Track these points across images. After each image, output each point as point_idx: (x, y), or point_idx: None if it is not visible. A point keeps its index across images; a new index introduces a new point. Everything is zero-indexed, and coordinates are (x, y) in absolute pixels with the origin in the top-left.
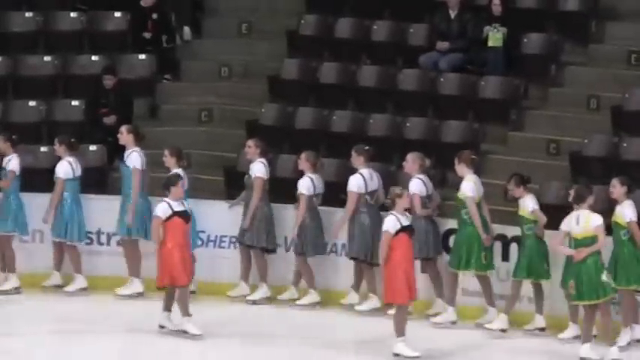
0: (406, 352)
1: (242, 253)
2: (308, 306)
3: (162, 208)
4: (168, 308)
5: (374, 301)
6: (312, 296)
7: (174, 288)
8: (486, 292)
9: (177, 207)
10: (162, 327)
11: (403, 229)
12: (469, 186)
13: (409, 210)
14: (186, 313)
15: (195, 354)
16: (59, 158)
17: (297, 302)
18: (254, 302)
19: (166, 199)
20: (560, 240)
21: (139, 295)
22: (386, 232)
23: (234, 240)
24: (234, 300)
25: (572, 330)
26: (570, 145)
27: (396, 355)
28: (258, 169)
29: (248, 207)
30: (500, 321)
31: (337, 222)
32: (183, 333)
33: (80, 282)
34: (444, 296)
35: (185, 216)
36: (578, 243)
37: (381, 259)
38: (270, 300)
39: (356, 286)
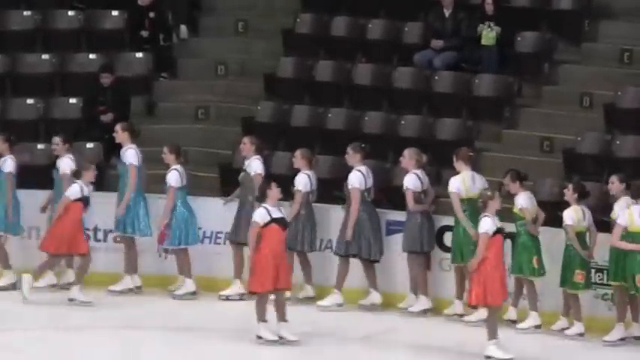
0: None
1: (234, 250)
2: (303, 299)
3: (260, 214)
4: (262, 318)
5: (374, 296)
6: (308, 291)
7: (266, 295)
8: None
9: (276, 214)
10: (259, 337)
11: (498, 230)
12: (455, 182)
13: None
14: (282, 318)
15: (191, 349)
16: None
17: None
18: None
19: (264, 204)
20: (618, 235)
21: (130, 291)
22: (484, 234)
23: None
24: (230, 299)
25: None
26: (564, 142)
27: (488, 357)
28: (257, 166)
29: (242, 204)
30: (531, 318)
31: (348, 222)
32: (280, 339)
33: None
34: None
35: (282, 223)
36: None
37: (474, 261)
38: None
39: (339, 283)
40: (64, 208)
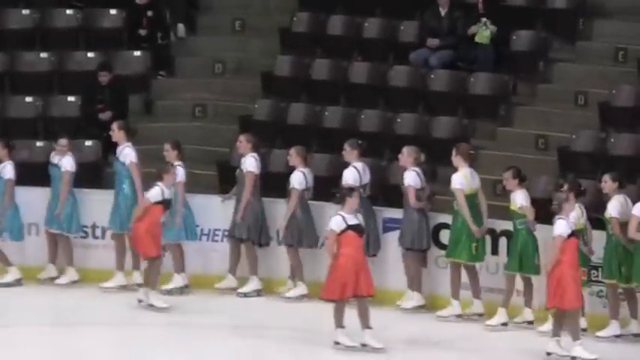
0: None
1: (232, 246)
2: (296, 298)
3: (336, 222)
4: (340, 324)
5: (417, 299)
6: (301, 288)
7: (345, 302)
8: (473, 283)
9: (352, 220)
10: (364, 345)
11: (573, 233)
12: (458, 179)
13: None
14: (366, 325)
15: (186, 345)
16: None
17: (286, 294)
18: (245, 295)
19: (340, 212)
20: (635, 227)
21: (122, 287)
22: (559, 237)
23: (226, 233)
24: (224, 292)
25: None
26: (558, 140)
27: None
28: (250, 163)
29: (239, 201)
30: (500, 315)
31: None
32: (363, 346)
33: (72, 275)
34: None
35: (359, 229)
36: None
37: (550, 264)
38: (259, 292)
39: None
40: (143, 210)
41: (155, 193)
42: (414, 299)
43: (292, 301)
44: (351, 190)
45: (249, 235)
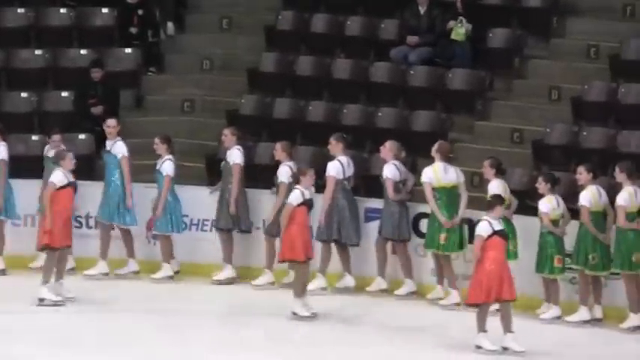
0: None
1: (221, 237)
2: (264, 286)
3: (484, 228)
4: (483, 328)
5: (347, 279)
6: (268, 276)
7: (488, 306)
8: (447, 272)
9: (497, 226)
10: (505, 348)
11: (496, 232)
12: (427, 173)
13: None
14: (508, 329)
15: (176, 332)
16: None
17: (253, 282)
18: (220, 282)
19: (486, 217)
20: (623, 216)
21: (105, 275)
22: (479, 237)
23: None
24: (221, 283)
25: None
26: (533, 133)
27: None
28: (236, 156)
29: (224, 193)
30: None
31: (322, 207)
32: (505, 349)
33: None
34: (412, 277)
35: (503, 234)
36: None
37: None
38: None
39: (323, 268)
40: (289, 215)
41: (295, 196)
42: (407, 285)
43: (262, 289)
44: (500, 198)
45: (234, 226)
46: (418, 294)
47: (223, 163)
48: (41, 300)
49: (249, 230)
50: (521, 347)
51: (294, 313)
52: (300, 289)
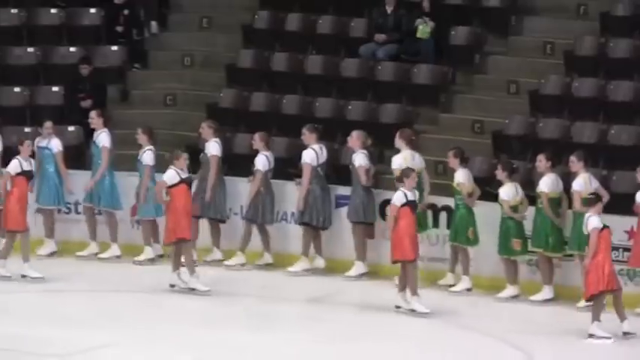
0: None
1: (211, 223)
2: (235, 266)
3: (596, 222)
4: (597, 318)
5: (319, 261)
6: (239, 258)
7: (603, 296)
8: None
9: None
10: (591, 336)
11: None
12: (397, 160)
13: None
14: (623, 317)
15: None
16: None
17: (225, 262)
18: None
19: (590, 213)
20: (579, 201)
21: (94, 255)
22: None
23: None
24: (211, 264)
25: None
26: (493, 125)
27: None
28: (214, 148)
29: (201, 181)
30: (463, 282)
31: (299, 194)
32: (625, 335)
33: (51, 246)
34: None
35: (609, 229)
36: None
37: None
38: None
39: (305, 250)
40: (395, 215)
41: (399, 197)
42: (358, 267)
43: (235, 269)
44: (597, 196)
45: (204, 213)
46: (375, 274)
47: (202, 154)
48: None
49: (222, 220)
50: (634, 330)
51: (413, 310)
52: (414, 287)
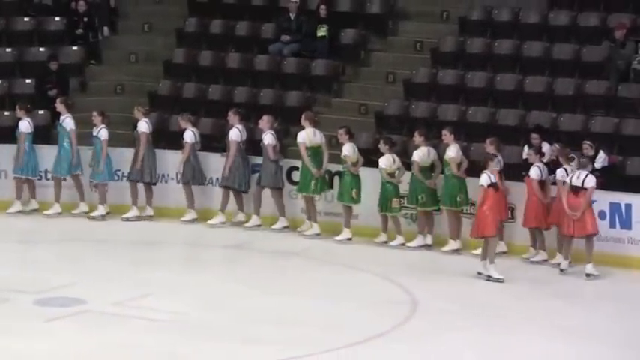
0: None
1: (145, 186)
2: (190, 221)
3: (482, 179)
4: (489, 259)
5: (240, 216)
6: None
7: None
8: (311, 210)
9: None
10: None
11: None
12: (301, 136)
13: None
14: None
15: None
16: (19, 119)
17: (181, 219)
18: (127, 219)
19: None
20: (455, 168)
21: (59, 214)
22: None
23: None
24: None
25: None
26: (375, 107)
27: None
28: (143, 126)
29: (136, 154)
30: (345, 233)
31: (226, 164)
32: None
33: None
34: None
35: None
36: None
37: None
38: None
39: (223, 207)
40: (483, 196)
41: (484, 179)
42: (282, 221)
43: (187, 224)
44: (492, 157)
45: (143, 178)
46: (290, 228)
47: (135, 132)
48: None
49: (153, 182)
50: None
51: (489, 276)
52: (493, 257)
